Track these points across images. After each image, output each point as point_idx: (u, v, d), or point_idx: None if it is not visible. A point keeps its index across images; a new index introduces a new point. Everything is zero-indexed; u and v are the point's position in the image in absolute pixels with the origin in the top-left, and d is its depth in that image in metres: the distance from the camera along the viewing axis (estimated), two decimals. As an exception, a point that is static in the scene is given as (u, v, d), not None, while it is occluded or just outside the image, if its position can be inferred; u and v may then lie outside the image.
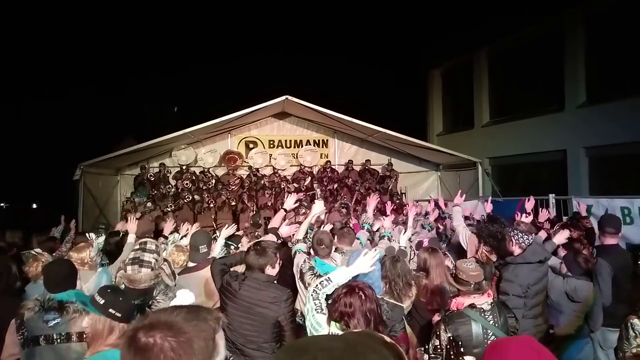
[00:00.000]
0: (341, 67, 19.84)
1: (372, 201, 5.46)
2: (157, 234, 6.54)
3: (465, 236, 4.73)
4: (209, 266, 3.39)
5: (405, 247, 4.49)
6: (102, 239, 4.87)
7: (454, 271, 2.91)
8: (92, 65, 23.49)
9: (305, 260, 3.66)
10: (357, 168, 11.05)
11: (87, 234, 4.65)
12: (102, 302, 2.19)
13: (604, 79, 9.74)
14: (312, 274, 3.44)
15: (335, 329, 2.30)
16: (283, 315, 2.92)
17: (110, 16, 22.68)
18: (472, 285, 2.79)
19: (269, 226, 4.03)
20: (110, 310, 2.17)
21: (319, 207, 4.32)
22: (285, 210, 4.31)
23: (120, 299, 2.27)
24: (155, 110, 23.98)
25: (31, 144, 21.68)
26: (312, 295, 2.52)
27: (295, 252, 3.82)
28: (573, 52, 10.25)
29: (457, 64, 14.25)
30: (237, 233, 5.19)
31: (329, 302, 2.44)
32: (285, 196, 9.75)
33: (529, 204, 5.61)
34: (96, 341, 2.15)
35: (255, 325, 2.92)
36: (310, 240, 4.11)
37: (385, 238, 4.57)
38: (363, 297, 2.30)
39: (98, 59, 23.34)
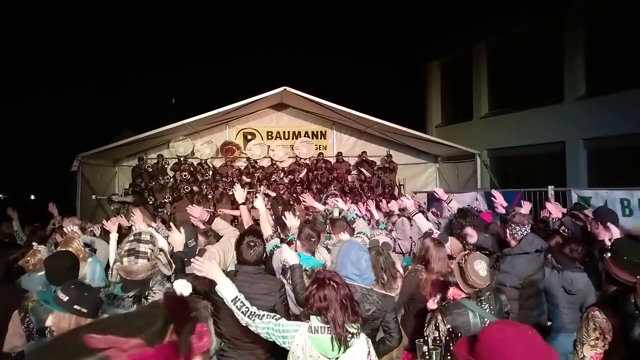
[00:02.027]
0: (341, 66, 19.73)
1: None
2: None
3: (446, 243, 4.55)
4: (204, 252, 3.37)
5: (387, 241, 4.38)
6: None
7: (463, 264, 2.78)
8: (92, 65, 23.36)
9: None
10: (354, 160, 11.03)
11: (65, 228, 4.61)
12: (65, 299, 2.13)
13: (603, 70, 9.71)
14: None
15: (316, 322, 2.28)
16: (279, 304, 2.95)
17: (110, 16, 22.51)
18: (475, 290, 2.73)
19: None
20: (76, 306, 2.11)
21: (259, 202, 4.23)
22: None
23: (86, 294, 2.21)
24: (155, 110, 23.87)
25: (31, 138, 21.66)
26: (252, 323, 2.43)
27: (272, 248, 3.71)
28: (572, 45, 10.21)
29: (456, 56, 14.17)
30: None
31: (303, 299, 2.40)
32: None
33: (526, 207, 5.55)
34: None
35: None
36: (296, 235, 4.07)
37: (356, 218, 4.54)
38: (336, 286, 2.28)
39: (98, 59, 23.21)
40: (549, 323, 3.96)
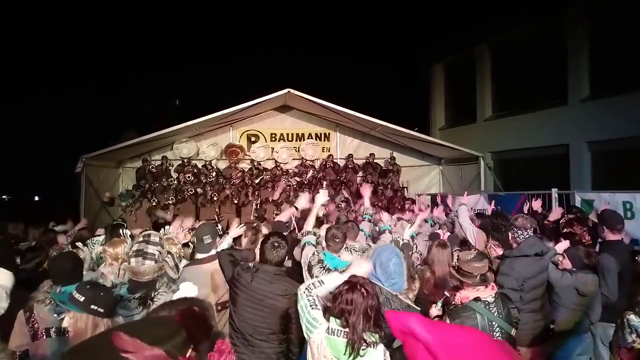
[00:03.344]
0: (342, 66, 19.81)
1: (366, 191, 5.43)
2: (155, 227, 6.49)
3: (472, 232, 4.80)
4: (216, 259, 3.39)
5: (408, 241, 4.49)
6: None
7: (457, 264, 2.87)
8: (92, 65, 23.49)
9: (314, 253, 3.64)
10: (360, 162, 11.03)
11: (121, 230, 4.58)
12: (82, 299, 2.14)
13: (607, 73, 9.68)
14: (321, 267, 3.43)
15: (335, 324, 2.29)
16: (293, 307, 2.94)
17: (110, 16, 22.64)
18: (478, 277, 2.77)
19: (276, 219, 4.10)
20: (92, 306, 2.13)
21: (322, 197, 4.27)
22: (296, 208, 4.53)
23: (102, 294, 2.22)
24: (155, 110, 23.90)
25: (33, 138, 21.75)
26: (304, 292, 2.49)
27: (305, 244, 3.77)
28: (575, 48, 10.19)
29: (459, 58, 14.17)
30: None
31: (331, 296, 2.42)
32: (290, 192, 9.75)
33: (536, 204, 5.76)
34: (80, 340, 2.13)
35: (265, 316, 2.95)
36: (320, 234, 4.11)
37: (387, 232, 4.56)
38: (365, 293, 2.27)
39: (98, 59, 23.33)
40: (552, 326, 3.96)
